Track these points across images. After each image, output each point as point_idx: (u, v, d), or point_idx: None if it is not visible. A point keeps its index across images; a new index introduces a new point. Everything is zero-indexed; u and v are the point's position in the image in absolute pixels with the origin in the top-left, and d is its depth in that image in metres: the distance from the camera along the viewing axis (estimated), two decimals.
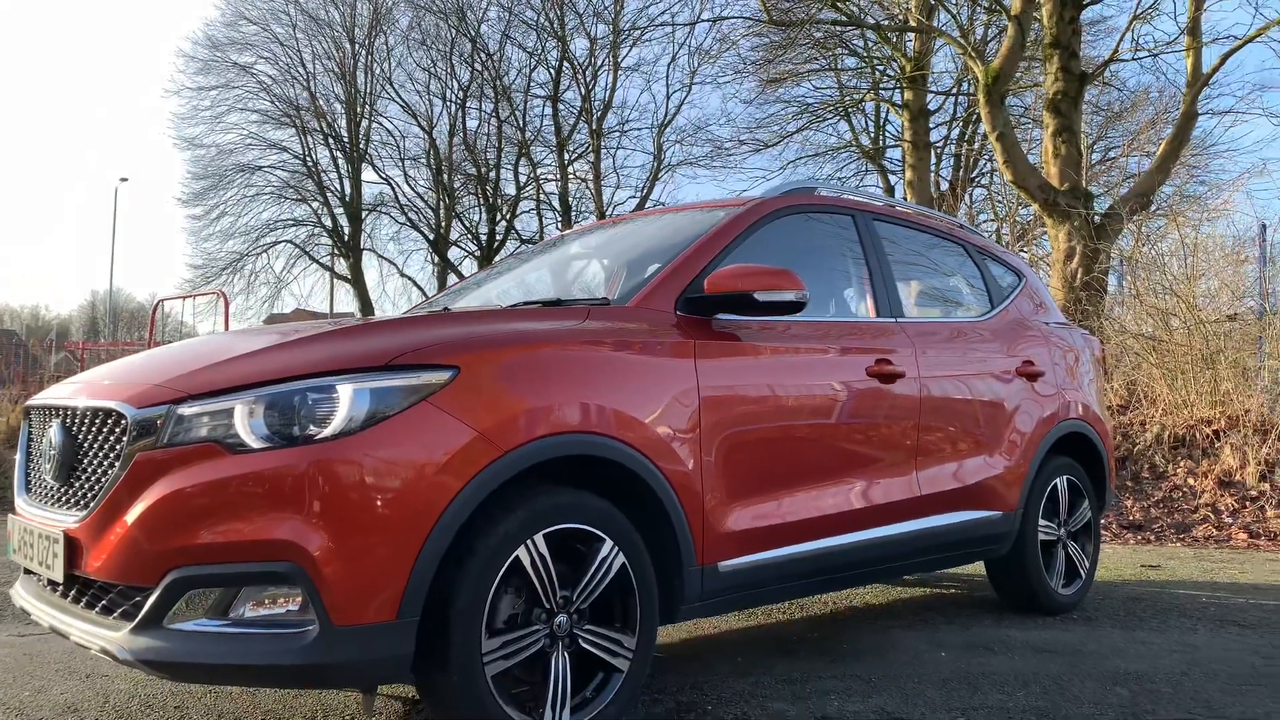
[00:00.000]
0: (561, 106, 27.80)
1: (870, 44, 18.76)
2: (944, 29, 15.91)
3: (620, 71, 27.25)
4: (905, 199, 17.41)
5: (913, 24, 15.34)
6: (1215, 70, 11.20)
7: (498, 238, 29.11)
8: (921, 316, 3.93)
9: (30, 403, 2.82)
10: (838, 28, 16.02)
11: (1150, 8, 11.82)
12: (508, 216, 29.16)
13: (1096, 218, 11.35)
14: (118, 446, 2.28)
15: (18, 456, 2.82)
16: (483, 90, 28.39)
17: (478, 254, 29.49)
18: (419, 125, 28.92)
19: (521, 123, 28.23)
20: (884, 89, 20.23)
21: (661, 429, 2.69)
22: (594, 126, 27.00)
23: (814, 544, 3.13)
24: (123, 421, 2.28)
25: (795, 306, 2.96)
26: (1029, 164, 11.66)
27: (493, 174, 28.80)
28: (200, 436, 2.20)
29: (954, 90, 19.85)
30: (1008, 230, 20.01)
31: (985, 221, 23.39)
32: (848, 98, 20.50)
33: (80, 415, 2.44)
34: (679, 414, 2.76)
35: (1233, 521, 7.80)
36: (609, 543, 2.55)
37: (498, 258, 28.76)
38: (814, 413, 3.19)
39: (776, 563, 3.01)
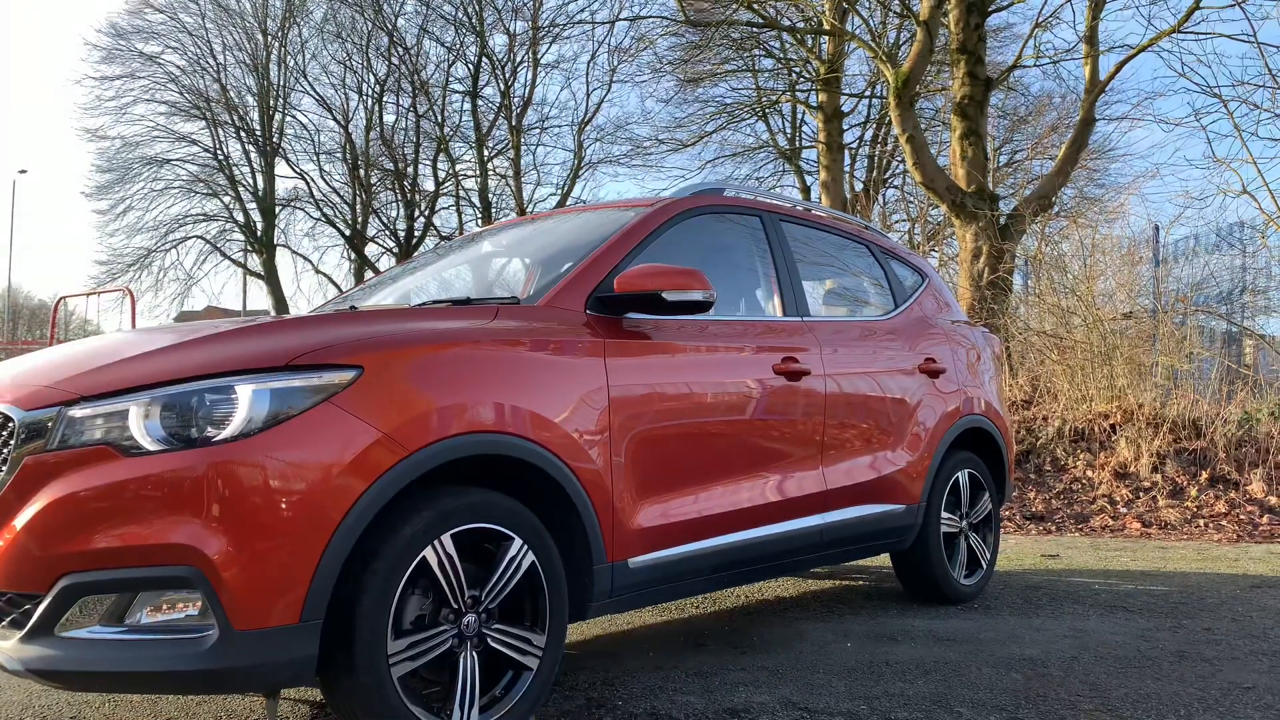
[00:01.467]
0: (481, 102, 27.62)
1: (786, 45, 19.05)
2: (857, 33, 16.23)
3: (540, 68, 27.21)
4: (820, 200, 17.73)
5: (826, 27, 15.62)
6: (1111, 77, 11.68)
7: (416, 234, 28.75)
8: (828, 315, 4.03)
9: None
10: (753, 29, 16.22)
11: (1051, 16, 12.26)
12: (426, 213, 28.84)
13: (1001, 219, 11.73)
14: (4, 450, 2.21)
15: None
16: (400, 84, 28.03)
17: (396, 250, 29.08)
18: (334, 119, 28.44)
19: (440, 118, 27.95)
20: (800, 90, 20.56)
21: (570, 427, 2.71)
22: (514, 123, 26.87)
23: (723, 539, 3.19)
24: (10, 424, 2.21)
25: (703, 306, 3.01)
26: (937, 166, 11.99)
27: (411, 169, 28.46)
28: (93, 439, 2.15)
29: (867, 93, 20.28)
30: (919, 230, 20.58)
31: (898, 222, 23.96)
32: (764, 98, 20.78)
33: None
34: (588, 412, 2.78)
35: (1127, 511, 8.15)
36: (518, 542, 2.56)
37: (415, 254, 28.37)
38: (722, 410, 3.25)
39: (686, 558, 3.06)
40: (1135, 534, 7.49)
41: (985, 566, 4.56)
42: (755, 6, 14.31)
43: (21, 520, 2.13)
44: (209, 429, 2.16)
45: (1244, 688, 3.08)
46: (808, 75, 19.13)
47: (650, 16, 18.07)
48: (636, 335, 3.03)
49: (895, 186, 23.44)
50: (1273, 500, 7.90)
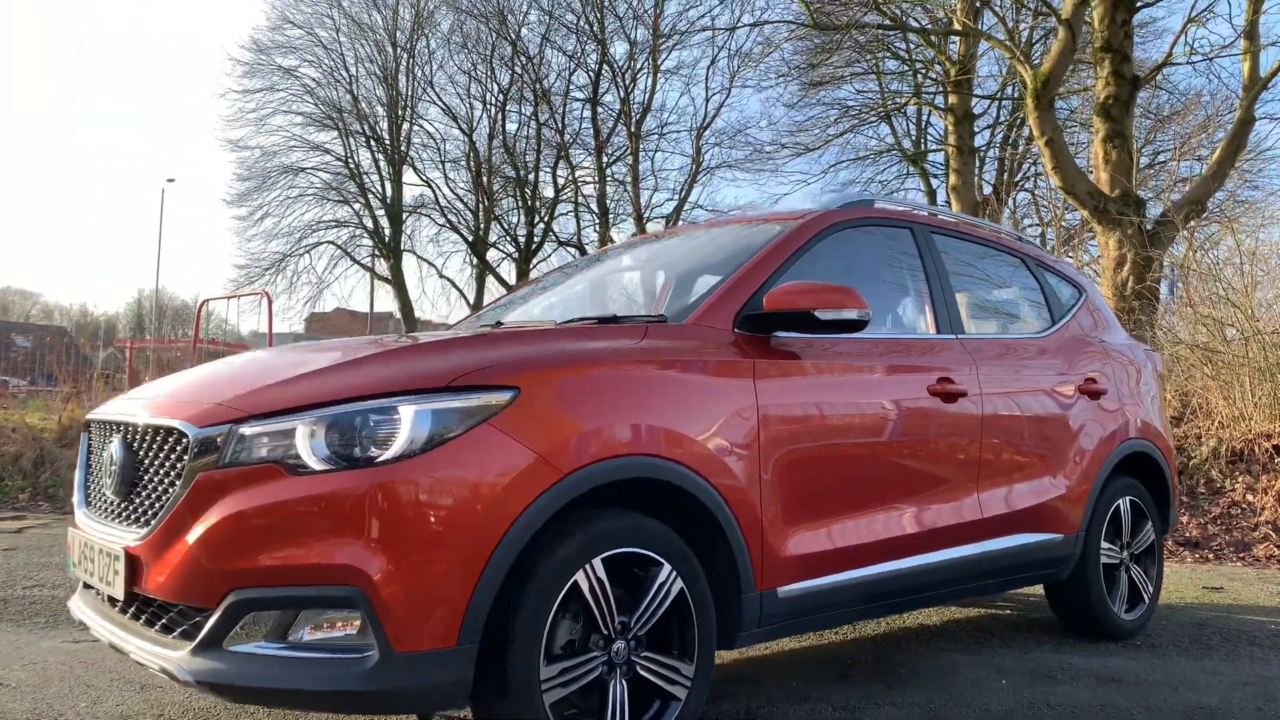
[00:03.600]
0: (600, 109, 27.82)
1: (913, 46, 18.56)
2: (990, 32, 15.66)
3: (660, 75, 27.22)
4: (949, 204, 17.17)
5: (958, 27, 15.13)
6: (1274, 73, 10.92)
7: (535, 240, 29.21)
8: (981, 332, 3.83)
9: (91, 416, 2.82)
10: (881, 31, 15.84)
11: (1206, 9, 11.54)
12: (545, 219, 29.24)
13: (1149, 225, 11.11)
14: (179, 465, 2.27)
15: (77, 469, 2.83)
16: (522, 93, 28.49)
17: (515, 256, 29.62)
18: (459, 128, 29.09)
19: (560, 125, 28.28)
20: (927, 92, 20.00)
21: (720, 450, 2.64)
22: (632, 129, 26.97)
23: (875, 568, 3.05)
24: (184, 440, 2.27)
25: (857, 325, 2.89)
26: (1079, 170, 11.45)
27: (531, 176, 28.89)
28: (261, 457, 2.18)
29: (999, 95, 19.57)
30: (1053, 235, 19.74)
31: (1030, 226, 23.08)
32: (889, 101, 20.29)
33: (142, 432, 2.43)
34: (738, 434, 2.70)
35: None
36: (667, 568, 2.50)
37: (543, 268, 28.88)
38: (875, 432, 3.11)
39: (837, 588, 2.94)
40: None
41: (1148, 601, 4.26)
42: (883, 7, 13.95)
43: (194, 535, 2.17)
44: (372, 449, 2.17)
45: None
46: (936, 76, 18.60)
47: (775, 21, 17.85)
48: (786, 354, 2.92)
49: (1026, 190, 22.59)
50: None
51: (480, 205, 29.22)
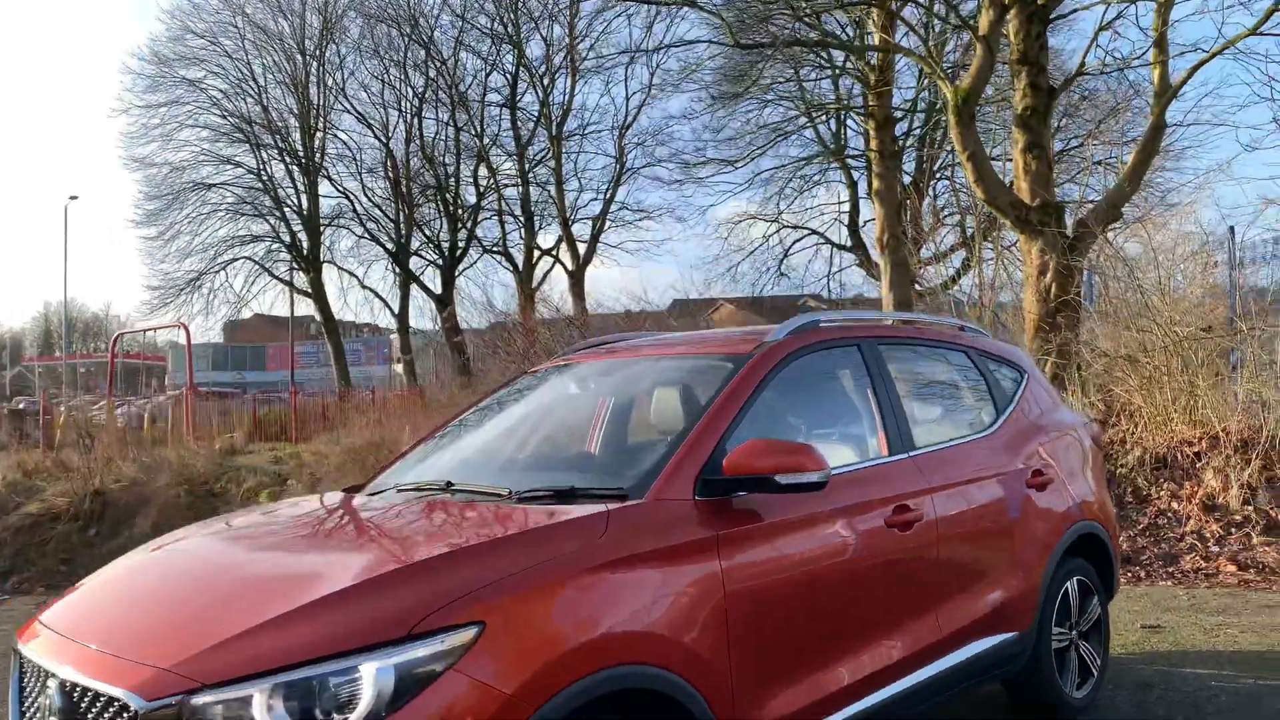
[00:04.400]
0: (520, 112, 27.53)
1: (834, 56, 18.69)
2: (914, 49, 15.81)
3: (578, 75, 27.02)
4: (874, 208, 17.36)
5: (879, 43, 15.24)
6: (1184, 82, 11.23)
7: (460, 246, 28.84)
8: (931, 443, 3.82)
9: (20, 648, 2.65)
10: (804, 47, 15.90)
11: (1115, 19, 11.82)
12: (469, 225, 28.89)
13: (1068, 233, 11.37)
14: None
15: (10, 703, 2.64)
16: (438, 97, 28.05)
17: (440, 263, 29.20)
18: (375, 135, 28.55)
19: (479, 129, 27.95)
20: (848, 100, 20.25)
21: (689, 638, 2.59)
22: (553, 132, 26.75)
23: (849, 709, 3.06)
24: (130, 710, 2.14)
25: (817, 486, 2.87)
26: (1000, 182, 11.66)
27: (452, 182, 28.50)
28: None
29: (913, 106, 19.85)
30: (973, 223, 20.14)
31: (949, 214, 23.54)
32: (812, 108, 20.46)
33: (81, 689, 2.29)
34: (705, 615, 2.65)
35: (1220, 551, 7.87)
36: None
37: (470, 274, 28.44)
38: (840, 581, 3.11)
39: None
40: (1231, 580, 7.22)
41: (1097, 674, 4.36)
42: (805, 19, 13.99)
43: None
44: (334, 715, 2.07)
45: None
46: (857, 78, 18.78)
47: (697, 41, 17.79)
48: (747, 517, 2.89)
49: (946, 178, 22.99)
50: None
51: (400, 213, 28.74)
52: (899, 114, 18.24)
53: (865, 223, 23.64)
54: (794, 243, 24.68)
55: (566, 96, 27.03)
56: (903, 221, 17.47)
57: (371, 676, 2.08)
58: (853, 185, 23.78)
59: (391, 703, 2.08)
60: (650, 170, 27.02)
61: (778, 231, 24.23)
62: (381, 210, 29.04)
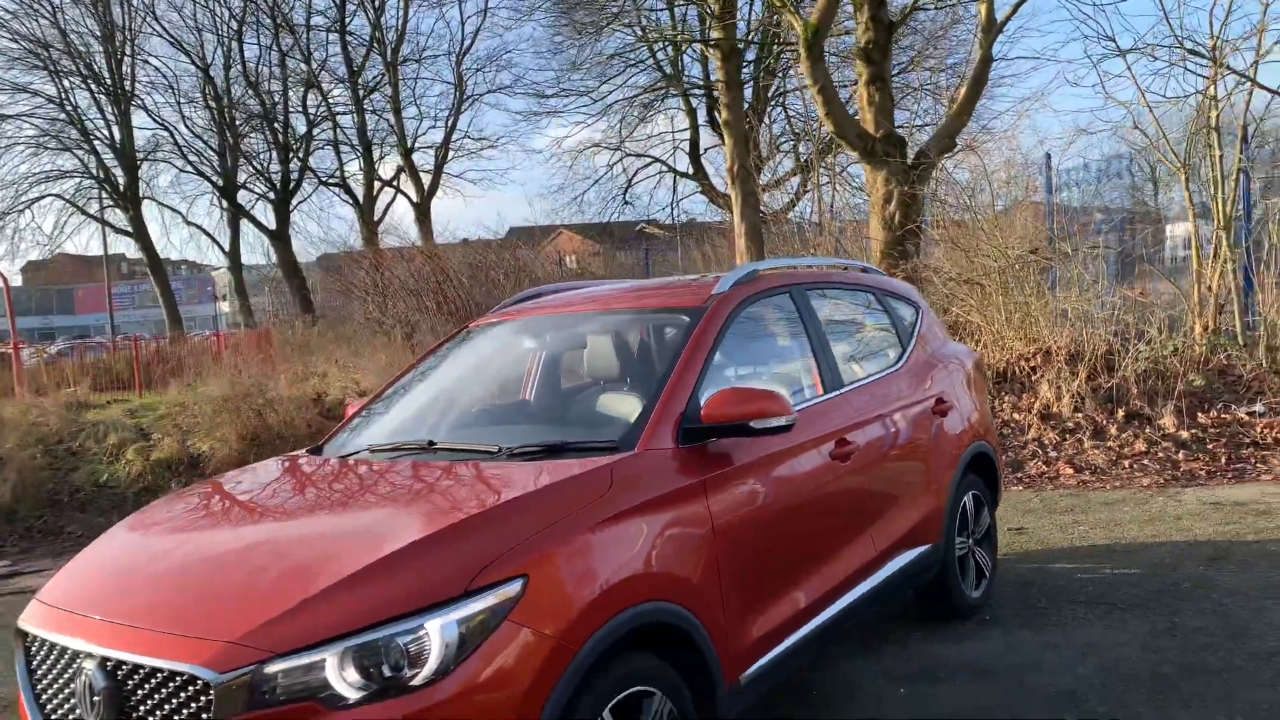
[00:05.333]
0: (350, 36, 26.27)
1: None
2: None
3: None
4: (724, 138, 17.66)
5: None
6: (1008, 19, 11.97)
7: (292, 178, 27.52)
8: (855, 380, 4.16)
9: (29, 629, 2.59)
10: None
11: None
12: (301, 155, 27.56)
13: (909, 162, 12.04)
14: (203, 716, 2.19)
15: (21, 684, 2.59)
16: (259, 20, 26.35)
17: (272, 197, 27.81)
18: (192, 61, 26.59)
19: (306, 54, 26.51)
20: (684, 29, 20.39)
21: (691, 573, 2.85)
22: (388, 58, 25.70)
23: (808, 626, 3.40)
24: (199, 683, 2.18)
25: (785, 429, 3.13)
26: (848, 115, 12.16)
27: (280, 110, 27.01)
28: (293, 695, 2.16)
29: (752, 36, 20.21)
30: (809, 147, 20.89)
31: (785, 141, 24.27)
32: (651, 39, 20.50)
33: (130, 666, 2.30)
34: (701, 553, 2.91)
35: (1058, 456, 8.78)
36: (659, 694, 2.70)
37: (304, 208, 27.23)
38: (799, 512, 3.42)
39: (783, 654, 3.26)
40: (1071, 482, 8.08)
41: (989, 576, 4.91)
42: None
43: None
44: (406, 671, 2.20)
45: (1263, 708, 3.51)
46: (700, 6, 18.92)
47: None
48: (723, 460, 3.13)
49: (780, 104, 23.61)
50: (1184, 435, 8.62)
51: (225, 145, 27.07)
52: (741, 44, 18.51)
53: (705, 150, 24.12)
54: (637, 171, 24.94)
55: (400, 20, 25.99)
56: (750, 151, 17.92)
57: (438, 633, 2.23)
58: (692, 113, 24.10)
59: (458, 657, 2.23)
60: (493, 97, 26.48)
61: (621, 160, 24.41)
62: (205, 141, 27.32)
